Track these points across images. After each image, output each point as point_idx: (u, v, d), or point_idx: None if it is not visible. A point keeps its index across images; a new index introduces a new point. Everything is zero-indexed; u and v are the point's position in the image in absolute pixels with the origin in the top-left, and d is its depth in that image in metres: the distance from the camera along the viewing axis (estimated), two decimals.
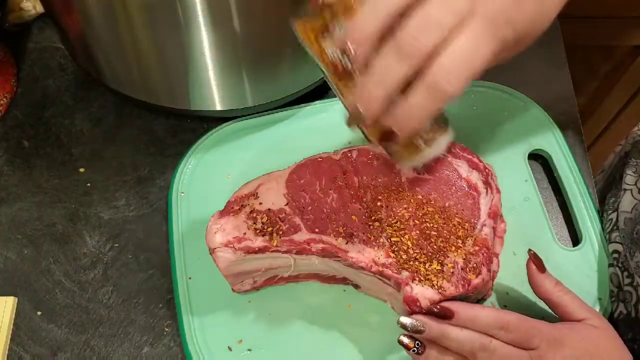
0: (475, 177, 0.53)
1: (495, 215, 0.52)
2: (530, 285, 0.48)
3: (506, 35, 0.38)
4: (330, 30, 0.39)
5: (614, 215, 0.57)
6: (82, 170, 0.62)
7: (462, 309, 0.44)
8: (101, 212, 0.60)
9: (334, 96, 0.66)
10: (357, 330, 0.52)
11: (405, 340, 0.45)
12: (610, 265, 0.55)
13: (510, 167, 0.60)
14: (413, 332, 0.45)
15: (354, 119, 0.40)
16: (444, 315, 0.44)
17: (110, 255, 0.57)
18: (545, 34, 0.68)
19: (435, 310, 0.45)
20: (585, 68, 1.09)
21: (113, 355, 0.53)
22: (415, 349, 0.45)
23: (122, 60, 0.56)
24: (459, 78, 0.36)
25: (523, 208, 0.58)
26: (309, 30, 0.41)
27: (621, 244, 0.54)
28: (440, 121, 0.43)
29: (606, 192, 0.62)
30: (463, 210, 0.51)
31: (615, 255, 0.55)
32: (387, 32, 0.36)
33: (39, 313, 0.55)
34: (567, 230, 0.58)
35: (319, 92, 0.65)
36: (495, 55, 0.38)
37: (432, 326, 0.44)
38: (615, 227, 0.56)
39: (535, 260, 0.48)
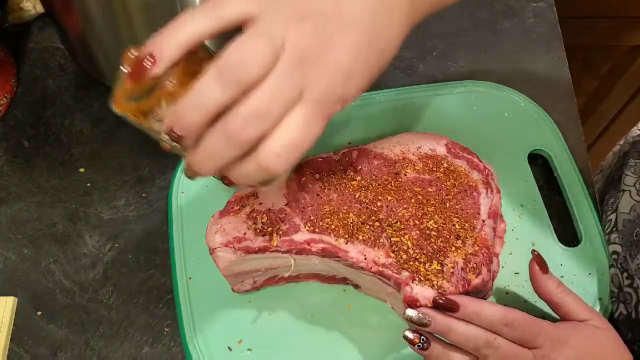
0: (475, 177, 0.53)
1: (495, 215, 0.52)
2: (533, 285, 0.48)
3: (337, 109, 0.38)
4: (155, 112, 0.40)
5: (613, 216, 0.57)
6: (82, 170, 0.62)
7: (467, 302, 0.44)
8: (101, 212, 0.60)
9: None
10: (357, 330, 0.52)
11: (410, 335, 0.45)
12: (610, 266, 0.55)
13: (510, 167, 0.60)
14: (419, 325, 0.45)
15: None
16: (450, 308, 0.44)
17: (110, 255, 0.57)
18: (546, 34, 0.68)
19: (441, 301, 0.45)
20: (585, 68, 1.10)
21: (113, 355, 0.53)
22: (420, 344, 0.45)
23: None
24: (287, 159, 0.37)
25: (523, 208, 0.58)
26: (134, 110, 0.41)
27: (620, 245, 0.54)
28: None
29: (605, 193, 0.62)
30: (463, 210, 0.51)
31: (615, 256, 0.55)
32: (215, 116, 0.36)
33: (39, 313, 0.55)
34: (567, 230, 0.59)
35: None
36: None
37: (438, 319, 0.44)
38: (614, 229, 0.56)
39: (538, 261, 0.48)
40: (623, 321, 0.53)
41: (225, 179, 0.39)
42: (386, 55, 0.39)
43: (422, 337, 0.45)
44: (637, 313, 0.52)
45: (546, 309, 0.49)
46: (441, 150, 0.54)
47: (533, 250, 0.49)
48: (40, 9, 0.70)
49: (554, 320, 0.46)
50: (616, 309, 0.54)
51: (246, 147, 0.36)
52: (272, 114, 0.35)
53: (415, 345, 0.45)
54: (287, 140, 0.36)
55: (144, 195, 0.61)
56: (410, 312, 0.45)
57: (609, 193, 0.60)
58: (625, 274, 0.53)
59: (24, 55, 0.70)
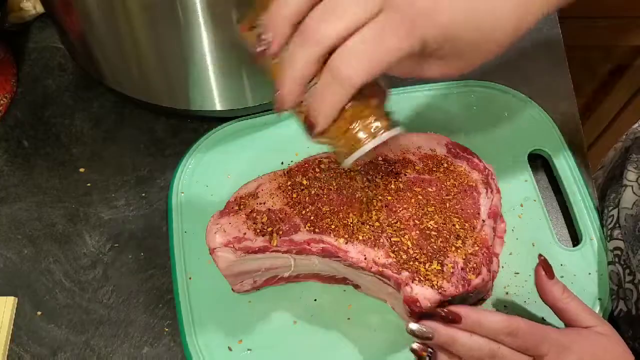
0: (475, 177, 0.53)
1: (495, 215, 0.52)
2: (538, 290, 0.48)
3: (426, 37, 0.37)
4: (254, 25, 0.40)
5: (615, 212, 0.57)
6: (82, 170, 0.62)
7: (469, 313, 0.44)
8: (101, 212, 0.60)
9: None
10: (357, 330, 0.52)
11: (416, 347, 0.45)
12: (611, 263, 0.55)
13: (510, 167, 0.60)
14: (422, 339, 0.44)
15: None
16: (452, 320, 0.44)
17: (110, 255, 0.57)
18: (546, 34, 0.68)
19: (443, 314, 0.44)
20: (585, 68, 1.10)
21: (113, 355, 0.53)
22: (428, 356, 0.45)
23: (122, 61, 0.56)
24: (359, 63, 0.35)
25: (523, 208, 0.58)
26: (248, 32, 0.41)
27: (623, 240, 0.54)
28: (377, 110, 0.41)
29: (606, 189, 0.62)
30: (463, 210, 0.51)
31: (617, 252, 0.55)
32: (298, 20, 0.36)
33: (39, 313, 0.55)
34: (567, 230, 0.59)
35: None
36: (412, 56, 0.37)
37: (441, 332, 0.44)
38: (616, 224, 0.56)
39: (544, 266, 0.47)
40: (623, 318, 0.53)
41: (307, 120, 0.39)
42: (488, 24, 0.38)
43: (430, 349, 0.45)
44: (638, 309, 0.52)
45: (547, 310, 0.49)
46: (441, 150, 0.54)
47: (539, 255, 0.48)
48: (40, 9, 0.70)
49: (555, 323, 0.46)
50: (616, 306, 0.54)
51: (320, 49, 0.35)
52: (346, 13, 0.35)
53: (424, 357, 0.45)
54: (359, 42, 0.35)
55: (144, 195, 0.61)
56: (413, 326, 0.44)
57: (611, 188, 0.60)
58: (627, 270, 0.53)
59: (24, 55, 0.70)
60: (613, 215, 0.57)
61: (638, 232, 0.52)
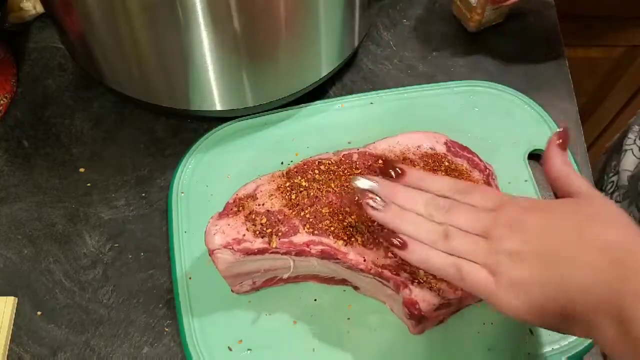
0: (476, 176, 0.53)
1: None
2: (544, 158, 0.45)
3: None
4: None
5: (615, 178, 0.56)
6: (82, 170, 0.62)
7: (412, 170, 0.45)
8: (101, 212, 0.60)
9: (334, 96, 0.66)
10: (357, 330, 0.52)
11: (364, 189, 0.45)
12: None
13: (510, 167, 0.60)
14: (368, 192, 0.44)
15: None
16: (395, 173, 0.45)
17: (110, 255, 0.57)
18: (546, 34, 0.68)
19: (387, 166, 0.45)
20: (585, 68, 1.10)
21: (113, 355, 0.53)
22: (373, 201, 0.44)
23: (122, 61, 0.56)
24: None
25: None
26: None
27: (620, 202, 0.54)
28: None
29: (608, 162, 0.62)
30: None
31: None
32: None
33: (39, 313, 0.55)
34: None
35: (319, 92, 0.65)
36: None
37: (384, 182, 0.44)
38: (616, 188, 0.55)
39: (562, 135, 0.45)
40: None
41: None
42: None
43: (378, 197, 0.44)
44: None
45: None
46: (441, 148, 0.54)
47: (560, 122, 0.45)
48: (40, 9, 0.70)
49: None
50: None
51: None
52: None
53: (370, 204, 0.44)
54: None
55: (144, 195, 0.61)
56: (356, 181, 0.44)
57: (611, 157, 0.60)
58: None
59: (24, 55, 0.70)
60: (613, 181, 0.56)
61: None
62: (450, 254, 0.42)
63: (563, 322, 0.39)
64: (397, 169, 0.45)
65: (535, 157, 0.62)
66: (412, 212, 0.44)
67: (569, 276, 0.38)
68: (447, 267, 0.42)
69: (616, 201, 0.55)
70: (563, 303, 0.38)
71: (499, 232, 0.40)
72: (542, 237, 0.39)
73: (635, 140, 0.56)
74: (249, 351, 0.51)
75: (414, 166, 0.52)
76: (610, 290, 0.36)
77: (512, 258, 0.39)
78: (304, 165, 0.53)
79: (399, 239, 0.43)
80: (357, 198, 0.46)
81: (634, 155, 0.55)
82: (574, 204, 0.42)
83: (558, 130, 0.46)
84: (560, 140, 0.45)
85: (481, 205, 0.43)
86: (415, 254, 0.43)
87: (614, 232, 0.38)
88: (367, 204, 0.44)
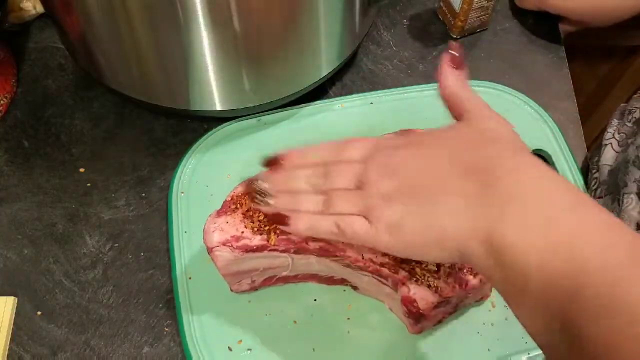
0: None
1: None
2: (438, 78, 0.45)
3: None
4: None
5: (597, 174, 0.57)
6: (82, 170, 0.62)
7: (293, 151, 0.46)
8: (101, 212, 0.60)
9: (334, 96, 0.66)
10: (357, 330, 0.52)
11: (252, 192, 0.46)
12: None
13: None
14: (265, 196, 0.45)
15: None
16: (277, 162, 0.46)
17: (110, 255, 0.57)
18: (546, 34, 0.68)
19: (270, 162, 0.46)
20: (585, 68, 1.09)
21: (113, 355, 0.53)
22: (259, 196, 0.45)
23: (122, 61, 0.56)
24: None
25: None
26: None
27: (602, 197, 0.54)
28: None
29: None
30: None
31: None
32: None
33: (39, 313, 0.55)
34: None
35: (319, 92, 0.65)
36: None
37: (267, 177, 0.46)
38: (599, 184, 0.56)
39: (457, 52, 0.44)
40: None
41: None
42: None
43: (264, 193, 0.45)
44: None
45: None
46: None
47: (451, 42, 0.45)
48: (40, 9, 0.70)
49: None
50: None
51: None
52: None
53: (256, 201, 0.45)
54: None
55: (144, 195, 0.61)
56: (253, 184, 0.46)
57: (592, 152, 0.60)
58: None
59: (24, 55, 0.70)
60: (596, 177, 0.56)
61: (619, 181, 0.52)
62: (333, 215, 0.42)
63: (441, 252, 0.39)
64: (277, 157, 0.46)
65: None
66: (298, 191, 0.44)
67: (440, 204, 0.38)
68: (330, 227, 0.42)
69: (599, 197, 0.55)
70: (437, 234, 0.38)
71: (370, 178, 0.41)
72: (411, 173, 0.40)
73: (613, 134, 0.56)
74: (249, 351, 0.51)
75: None
76: (481, 216, 0.36)
77: (385, 200, 0.40)
78: None
79: (285, 217, 0.44)
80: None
81: (613, 149, 0.55)
82: (452, 129, 0.42)
83: (450, 51, 0.45)
84: (453, 58, 0.44)
85: (355, 158, 0.43)
86: (299, 225, 0.44)
87: (491, 153, 0.39)
88: (255, 203, 0.45)
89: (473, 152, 0.39)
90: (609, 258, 0.32)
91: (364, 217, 0.41)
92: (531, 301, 0.34)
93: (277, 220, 0.45)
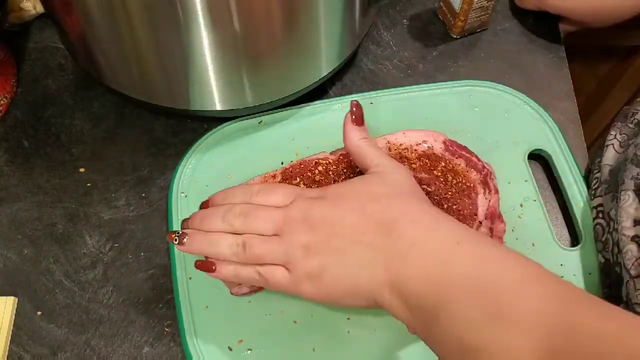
0: (473, 177, 0.53)
1: (493, 216, 0.52)
2: (343, 134, 0.49)
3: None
4: None
5: (599, 175, 0.57)
6: (82, 170, 0.62)
7: (218, 192, 0.49)
8: (101, 212, 0.60)
9: (334, 96, 0.66)
10: (357, 330, 0.52)
11: (168, 236, 0.48)
12: (595, 218, 0.56)
13: (510, 167, 0.60)
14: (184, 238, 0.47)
15: None
16: (205, 204, 0.50)
17: (110, 255, 0.57)
18: (546, 34, 0.68)
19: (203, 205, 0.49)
20: (585, 68, 1.09)
21: (113, 355, 0.53)
22: (176, 237, 0.47)
23: (122, 61, 0.56)
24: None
25: (523, 208, 0.58)
26: None
27: (602, 196, 0.55)
28: None
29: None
30: (460, 210, 0.51)
31: (600, 208, 0.55)
32: None
33: (39, 313, 0.55)
34: (566, 230, 0.59)
35: (319, 92, 0.65)
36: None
37: (193, 217, 0.48)
38: (600, 184, 0.56)
39: (356, 111, 0.48)
40: (602, 269, 0.54)
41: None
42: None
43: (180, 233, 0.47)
44: (613, 256, 0.52)
45: None
46: (439, 147, 0.54)
47: (352, 102, 0.49)
48: (40, 9, 0.70)
49: None
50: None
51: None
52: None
53: (173, 241, 0.47)
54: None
55: (144, 195, 0.61)
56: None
57: (595, 154, 0.61)
58: (606, 221, 0.54)
59: (24, 55, 0.70)
60: (597, 177, 0.57)
61: (619, 179, 0.52)
62: (252, 262, 0.44)
63: (358, 301, 0.42)
64: (208, 199, 0.50)
65: (535, 157, 0.62)
66: (215, 230, 0.46)
67: (353, 256, 0.41)
68: (252, 275, 0.45)
69: (599, 196, 0.55)
70: (351, 284, 0.42)
71: (289, 228, 0.43)
72: (327, 225, 0.42)
73: (616, 135, 0.57)
74: (249, 351, 0.51)
75: (411, 166, 0.52)
76: (385, 265, 0.40)
77: (302, 251, 0.42)
78: (301, 164, 0.53)
79: (212, 265, 0.46)
80: None
81: (615, 149, 0.56)
82: (362, 182, 0.45)
83: (352, 108, 0.49)
84: (354, 117, 0.48)
85: (274, 204, 0.45)
86: (223, 272, 0.46)
87: (397, 206, 0.42)
88: (172, 241, 0.47)
89: (382, 206, 0.42)
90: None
91: (284, 266, 0.43)
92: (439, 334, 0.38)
93: (204, 268, 0.46)
